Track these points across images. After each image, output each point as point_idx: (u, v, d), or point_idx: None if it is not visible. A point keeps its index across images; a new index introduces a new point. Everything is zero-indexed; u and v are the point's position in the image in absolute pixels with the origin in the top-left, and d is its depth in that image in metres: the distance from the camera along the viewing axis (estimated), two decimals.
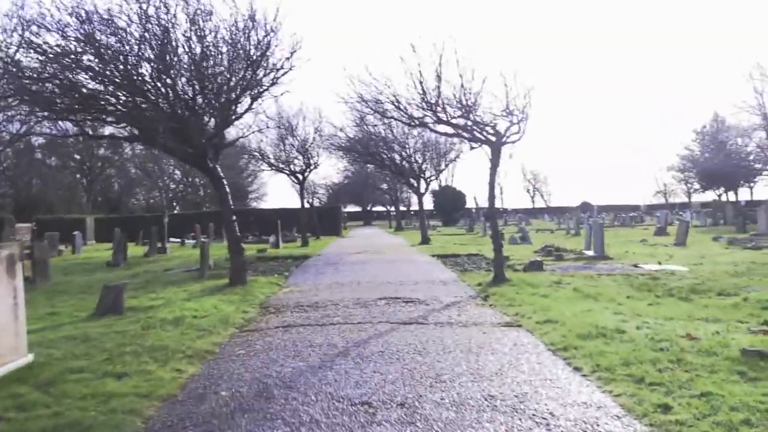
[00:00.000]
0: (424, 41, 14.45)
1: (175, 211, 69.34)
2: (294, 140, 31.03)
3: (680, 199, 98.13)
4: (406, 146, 32.35)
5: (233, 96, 12.33)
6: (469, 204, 79.03)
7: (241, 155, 52.31)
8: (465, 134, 14.16)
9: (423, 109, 13.98)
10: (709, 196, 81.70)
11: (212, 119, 12.82)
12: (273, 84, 12.85)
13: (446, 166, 37.57)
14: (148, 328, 9.27)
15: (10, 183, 60.83)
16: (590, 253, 20.09)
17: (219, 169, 13.34)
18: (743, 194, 67.15)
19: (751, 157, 51.00)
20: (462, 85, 13.31)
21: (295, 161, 31.72)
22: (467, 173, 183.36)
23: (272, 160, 32.05)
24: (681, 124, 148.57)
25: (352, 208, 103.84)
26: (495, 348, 7.63)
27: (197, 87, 11.85)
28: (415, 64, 13.38)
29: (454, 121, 13.97)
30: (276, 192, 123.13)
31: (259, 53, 12.12)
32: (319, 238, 40.99)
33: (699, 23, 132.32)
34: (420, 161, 33.58)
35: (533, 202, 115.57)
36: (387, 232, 58.53)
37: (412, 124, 14.58)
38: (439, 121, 14.01)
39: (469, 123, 13.82)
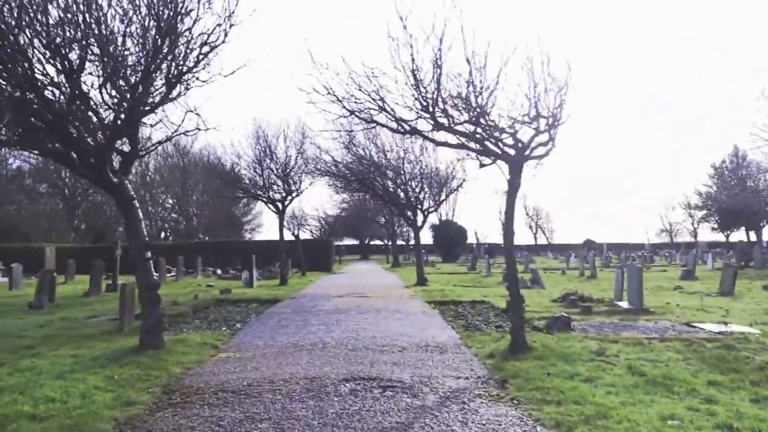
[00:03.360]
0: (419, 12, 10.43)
1: (169, 241, 65.70)
2: (273, 164, 27.25)
3: (683, 238, 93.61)
4: (402, 172, 28.55)
5: (139, 75, 8.57)
6: (471, 239, 75.64)
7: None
8: (473, 146, 10.34)
9: (417, 110, 10.21)
10: (718, 236, 77.97)
11: (111, 112, 9.05)
12: (198, 62, 9.14)
13: (447, 196, 33.67)
14: None
15: None
16: (624, 305, 16.15)
17: (129, 186, 9.55)
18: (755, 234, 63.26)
19: None
20: (471, 75, 9.55)
21: (274, 187, 27.89)
22: (469, 205, 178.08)
23: (248, 185, 28.24)
24: (692, 160, 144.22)
25: (349, 242, 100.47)
26: None
27: (78, 56, 8.06)
28: (406, 44, 9.65)
29: (458, 127, 10.18)
30: (273, 223, 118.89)
31: (171, 13, 8.37)
32: (304, 274, 37.02)
33: (717, 51, 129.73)
34: (417, 190, 29.68)
35: (535, 238, 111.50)
36: (383, 268, 54.55)
37: (402, 130, 10.76)
38: (439, 126, 10.21)
39: (480, 130, 10.04)
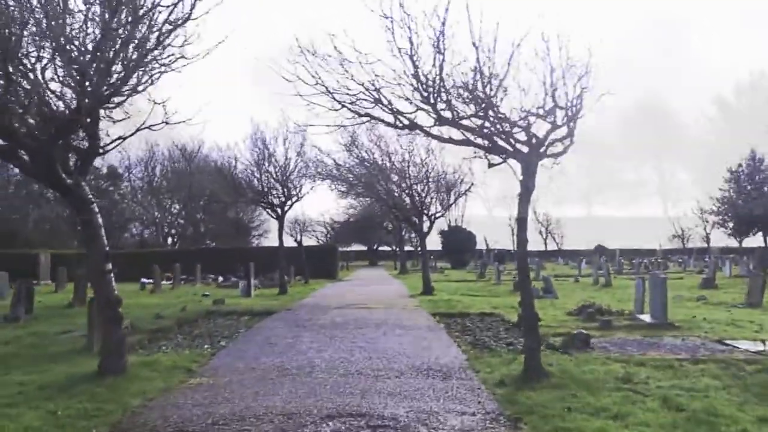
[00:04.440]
0: None
1: (172, 248, 64.66)
2: (271, 167, 26.01)
3: (695, 243, 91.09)
4: (407, 176, 27.27)
5: (88, 57, 7.40)
6: (480, 245, 74.12)
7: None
8: (481, 142, 9.10)
9: (416, 103, 8.98)
10: (730, 241, 75.79)
11: (61, 102, 7.86)
12: (159, 44, 7.95)
13: (455, 200, 32.31)
14: None
15: None
16: (646, 318, 14.82)
17: (86, 188, 8.35)
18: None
19: None
20: (478, 61, 8.31)
21: (273, 192, 26.64)
22: (478, 211, 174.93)
23: (245, 189, 27.04)
24: (707, 164, 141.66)
25: (357, 248, 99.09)
26: None
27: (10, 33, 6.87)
28: (404, 25, 8.45)
29: (465, 121, 8.95)
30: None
31: None
32: (307, 282, 35.78)
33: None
34: (423, 195, 28.35)
35: (545, 244, 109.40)
36: (390, 274, 53.25)
37: (400, 125, 9.53)
38: (442, 121, 8.99)
39: (488, 124, 8.79)
